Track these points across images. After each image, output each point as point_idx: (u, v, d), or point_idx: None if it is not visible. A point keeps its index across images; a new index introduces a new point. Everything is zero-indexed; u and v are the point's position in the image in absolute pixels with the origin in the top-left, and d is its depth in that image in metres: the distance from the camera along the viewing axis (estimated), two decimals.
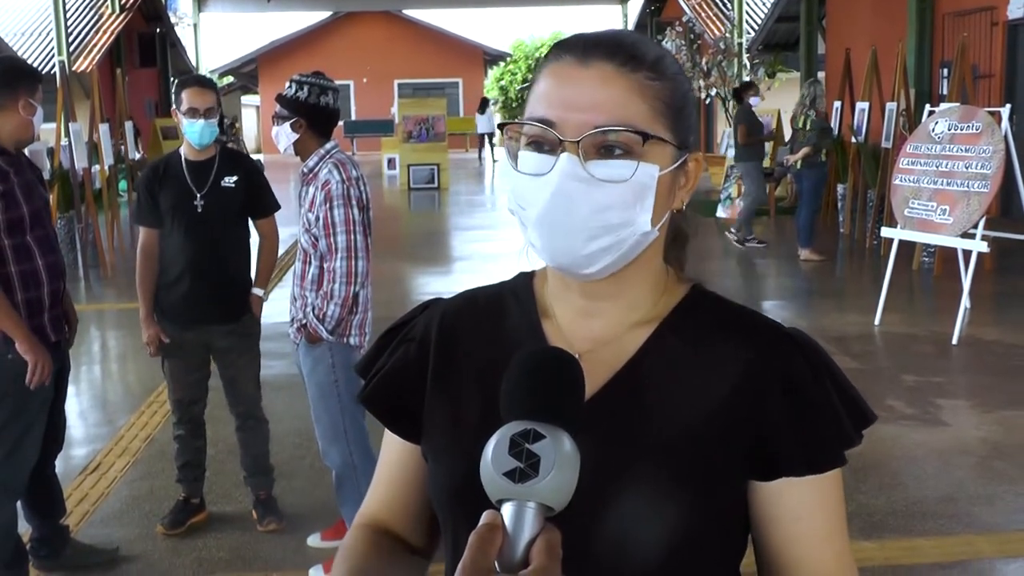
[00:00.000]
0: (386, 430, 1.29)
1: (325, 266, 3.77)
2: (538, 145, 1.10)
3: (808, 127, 10.87)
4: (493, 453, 0.90)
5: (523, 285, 1.26)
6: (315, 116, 3.83)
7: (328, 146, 3.85)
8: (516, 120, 1.13)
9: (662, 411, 1.12)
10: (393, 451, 1.29)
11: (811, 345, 1.15)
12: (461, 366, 1.22)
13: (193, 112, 4.14)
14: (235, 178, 4.21)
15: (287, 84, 3.90)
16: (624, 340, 1.16)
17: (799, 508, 1.13)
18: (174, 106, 4.34)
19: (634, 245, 1.11)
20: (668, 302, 1.19)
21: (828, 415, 1.12)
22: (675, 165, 1.13)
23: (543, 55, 1.16)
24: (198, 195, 4.15)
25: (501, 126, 1.15)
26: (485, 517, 0.89)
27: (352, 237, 3.71)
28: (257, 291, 4.35)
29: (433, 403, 1.22)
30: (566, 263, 1.12)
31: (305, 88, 3.83)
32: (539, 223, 1.10)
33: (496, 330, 1.22)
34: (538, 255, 1.14)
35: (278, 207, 4.43)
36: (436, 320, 1.25)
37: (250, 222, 4.37)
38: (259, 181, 4.33)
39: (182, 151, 4.24)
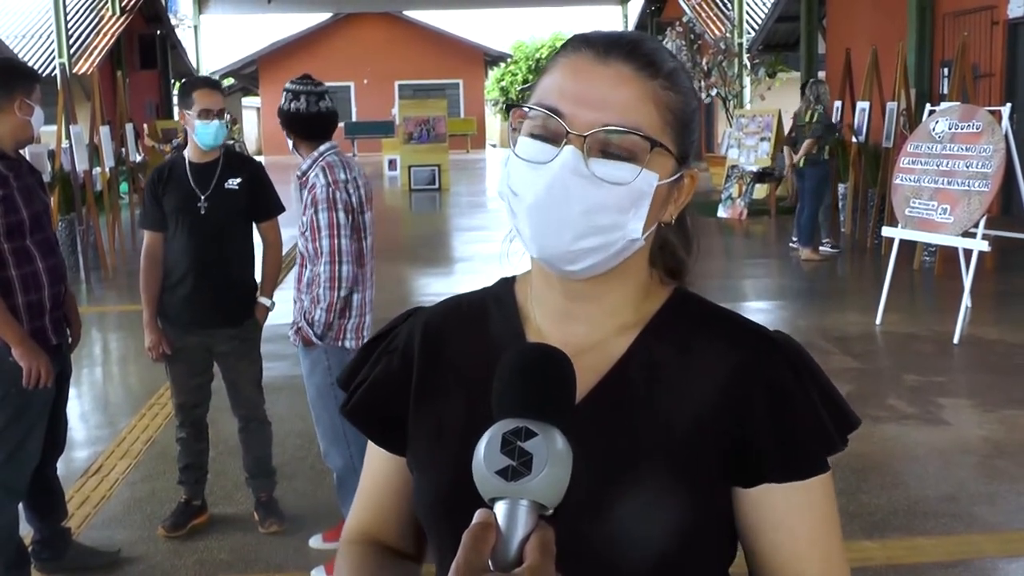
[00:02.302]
0: (368, 446, 1.28)
1: (313, 270, 3.77)
2: (542, 137, 1.09)
3: (815, 120, 10.87)
4: (485, 451, 0.89)
5: (505, 291, 1.25)
6: (291, 122, 3.83)
7: (322, 148, 3.82)
8: (525, 104, 1.11)
9: (648, 416, 1.11)
10: (378, 463, 1.27)
11: (795, 349, 1.14)
12: (445, 375, 1.20)
13: (207, 113, 4.12)
14: (239, 180, 4.20)
15: None
16: (608, 345, 1.15)
17: (781, 515, 1.11)
18: (180, 107, 4.35)
19: (620, 250, 1.11)
20: (651, 306, 1.18)
21: (811, 420, 1.11)
22: (673, 178, 1.12)
23: (560, 47, 1.15)
24: (201, 197, 4.15)
25: (508, 108, 1.14)
26: (478, 516, 0.88)
27: (336, 241, 3.69)
28: (264, 300, 4.33)
29: (417, 413, 1.21)
30: (551, 256, 1.10)
31: (283, 95, 3.86)
32: (531, 212, 1.08)
33: (479, 337, 1.21)
34: (524, 245, 1.13)
35: (282, 210, 4.40)
36: (419, 329, 1.24)
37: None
38: (263, 183, 4.31)
39: (187, 153, 4.24)
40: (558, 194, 1.06)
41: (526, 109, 1.10)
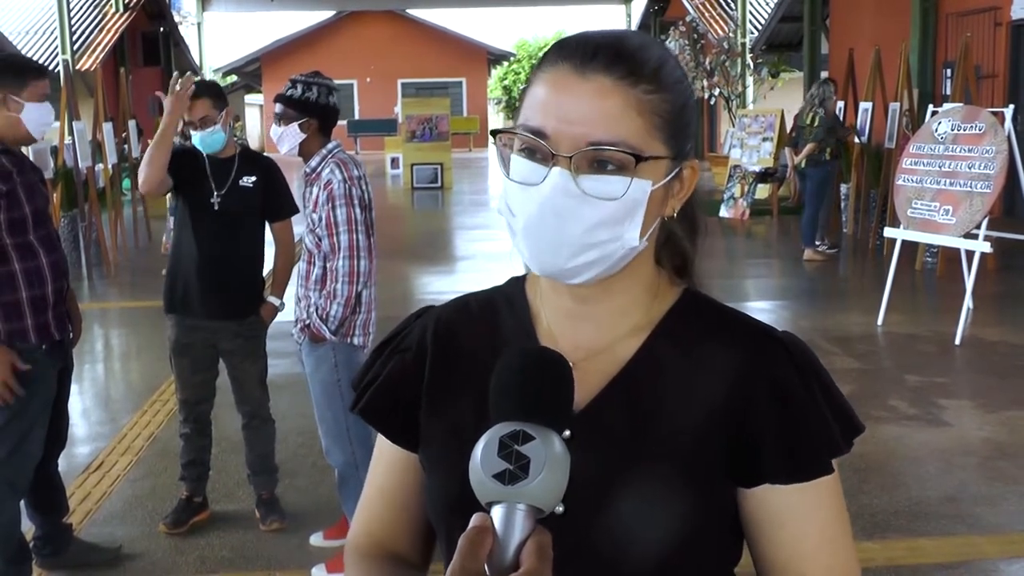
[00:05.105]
0: (377, 443, 1.28)
1: (328, 266, 3.78)
2: (530, 152, 1.09)
3: (815, 123, 10.86)
4: (482, 455, 0.90)
5: (515, 291, 1.25)
6: (326, 116, 3.85)
7: (330, 146, 3.86)
8: (509, 130, 1.11)
9: (657, 417, 1.12)
10: (388, 462, 1.27)
11: (802, 351, 1.14)
12: (456, 374, 1.21)
13: (190, 125, 4.15)
14: (254, 178, 4.21)
15: (290, 84, 3.88)
16: (618, 347, 1.16)
17: (784, 516, 1.12)
18: None
19: (621, 257, 1.11)
20: (661, 306, 1.18)
21: (815, 423, 1.11)
22: (669, 177, 1.12)
23: (541, 57, 1.14)
24: (216, 193, 4.16)
25: (494, 133, 1.13)
26: (475, 520, 0.88)
27: (354, 236, 3.72)
28: (273, 300, 4.34)
29: (430, 412, 1.21)
30: (553, 273, 1.11)
31: (314, 88, 3.84)
32: (527, 234, 1.09)
33: (490, 337, 1.21)
34: (526, 263, 1.13)
35: (296, 211, 4.37)
36: (430, 328, 1.24)
37: (267, 226, 4.36)
38: (277, 183, 4.32)
39: None
40: (551, 216, 1.06)
41: (513, 133, 1.11)
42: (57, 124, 11.41)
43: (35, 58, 20.72)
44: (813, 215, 10.94)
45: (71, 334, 3.86)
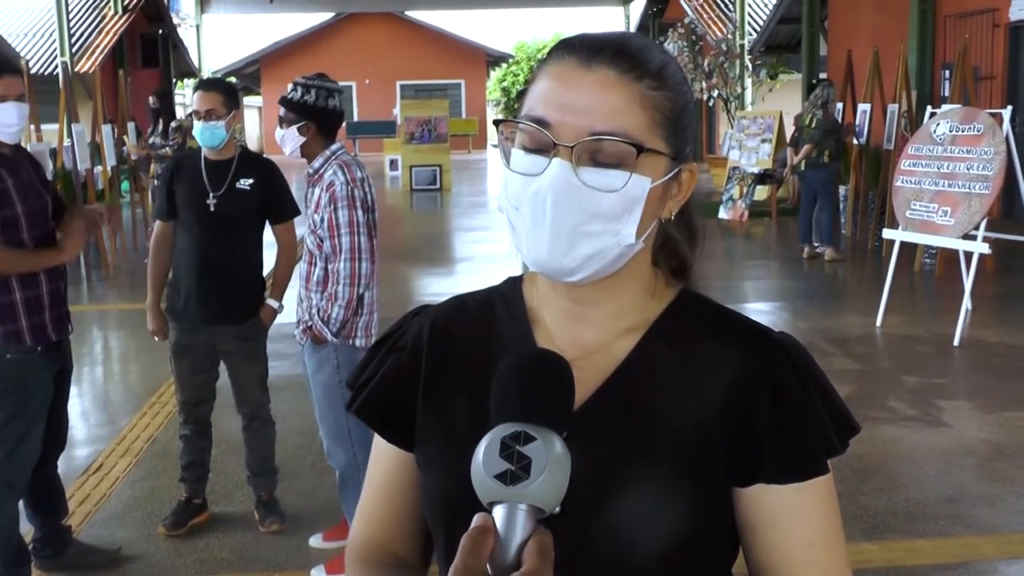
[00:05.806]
0: (374, 445, 1.28)
1: (329, 267, 3.78)
2: (532, 146, 1.09)
3: (813, 125, 10.87)
4: (484, 456, 0.90)
5: (512, 290, 1.25)
6: (323, 119, 3.85)
7: (334, 147, 3.86)
8: (512, 119, 1.11)
9: (654, 416, 1.12)
10: (385, 463, 1.27)
11: (799, 352, 1.14)
12: (453, 373, 1.21)
13: (196, 114, 4.18)
14: (251, 180, 4.21)
15: (291, 87, 3.89)
16: (614, 346, 1.16)
17: (778, 515, 1.12)
18: None
19: (618, 256, 1.11)
20: (657, 306, 1.18)
21: (811, 422, 1.11)
22: (668, 176, 1.12)
23: (546, 53, 1.15)
24: (212, 195, 4.16)
25: (497, 123, 1.14)
26: (476, 520, 0.89)
27: (356, 239, 3.72)
28: (272, 302, 4.33)
29: (426, 411, 1.21)
30: (549, 269, 1.11)
31: (313, 91, 3.84)
32: (526, 226, 1.09)
33: (487, 336, 1.21)
34: (523, 257, 1.13)
35: (297, 213, 4.39)
36: (427, 327, 1.24)
37: (267, 227, 4.37)
38: (276, 185, 4.32)
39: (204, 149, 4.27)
40: (550, 207, 1.07)
41: (513, 122, 1.11)
42: (55, 126, 11.42)
43: (34, 61, 20.74)
44: (830, 216, 10.96)
45: (69, 333, 3.83)
